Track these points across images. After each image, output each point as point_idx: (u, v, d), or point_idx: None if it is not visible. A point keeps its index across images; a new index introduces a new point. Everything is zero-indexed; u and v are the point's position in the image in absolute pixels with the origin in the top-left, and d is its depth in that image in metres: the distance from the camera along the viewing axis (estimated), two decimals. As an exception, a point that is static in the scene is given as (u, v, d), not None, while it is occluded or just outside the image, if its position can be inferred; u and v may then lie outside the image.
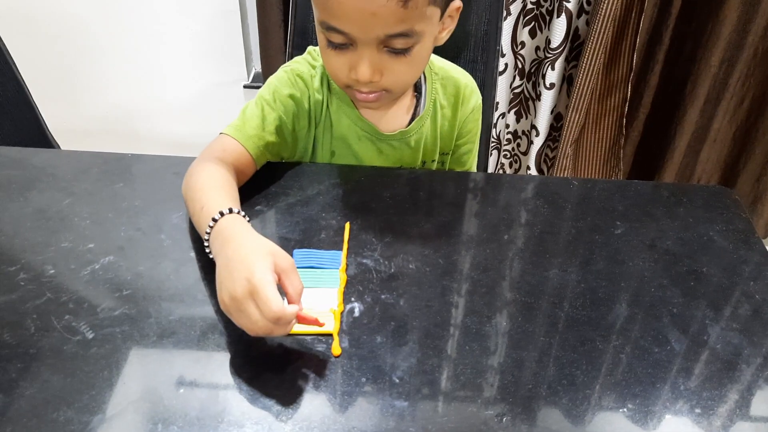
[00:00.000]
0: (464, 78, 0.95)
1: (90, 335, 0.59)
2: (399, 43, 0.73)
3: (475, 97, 0.96)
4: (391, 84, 0.78)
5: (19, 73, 1.12)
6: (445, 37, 0.82)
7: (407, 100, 0.91)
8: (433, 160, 0.96)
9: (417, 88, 0.91)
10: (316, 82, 0.87)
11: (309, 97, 0.87)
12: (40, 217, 0.73)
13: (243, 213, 0.66)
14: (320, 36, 0.76)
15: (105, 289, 0.64)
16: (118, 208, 0.75)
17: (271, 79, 0.87)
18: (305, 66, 0.88)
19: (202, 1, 1.72)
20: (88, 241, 0.70)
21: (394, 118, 0.91)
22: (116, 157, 0.84)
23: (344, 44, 0.74)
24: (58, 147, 1.18)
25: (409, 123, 0.91)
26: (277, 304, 0.54)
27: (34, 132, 1.14)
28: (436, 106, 0.92)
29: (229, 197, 0.70)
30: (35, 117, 1.15)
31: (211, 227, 0.64)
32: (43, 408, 0.52)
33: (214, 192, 0.70)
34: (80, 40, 1.80)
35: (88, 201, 0.76)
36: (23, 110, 1.13)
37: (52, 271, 0.66)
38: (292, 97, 0.85)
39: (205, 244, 0.65)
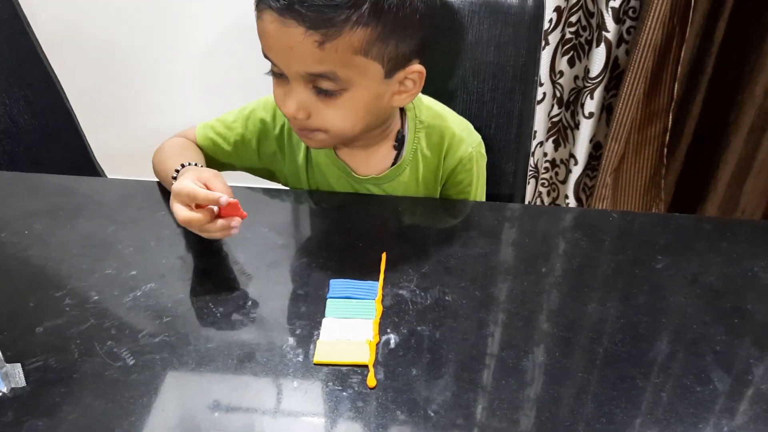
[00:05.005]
0: (454, 128, 0.90)
1: (131, 361, 0.60)
2: (324, 84, 0.72)
3: (464, 147, 0.90)
4: (319, 126, 0.76)
5: (68, 101, 1.16)
6: (405, 99, 0.79)
7: (384, 149, 0.89)
8: None
9: (398, 139, 0.88)
10: None
11: (283, 124, 0.90)
12: (86, 244, 0.75)
13: (203, 166, 0.80)
14: None
15: (146, 315, 0.66)
16: (160, 236, 0.77)
17: (260, 99, 0.92)
18: None
19: (247, 31, 1.75)
20: (131, 268, 0.72)
21: (372, 164, 0.89)
22: (159, 185, 0.86)
23: (280, 74, 0.75)
24: (104, 174, 1.22)
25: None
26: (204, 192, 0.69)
27: (81, 159, 1.18)
28: (417, 156, 0.89)
29: (195, 159, 0.83)
30: (83, 145, 1.19)
31: (179, 169, 0.77)
32: (85, 433, 0.54)
33: (185, 156, 0.84)
34: (127, 68, 1.85)
35: (131, 228, 0.78)
36: (71, 138, 1.17)
37: (96, 298, 0.67)
38: (262, 121, 0.92)
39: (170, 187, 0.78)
